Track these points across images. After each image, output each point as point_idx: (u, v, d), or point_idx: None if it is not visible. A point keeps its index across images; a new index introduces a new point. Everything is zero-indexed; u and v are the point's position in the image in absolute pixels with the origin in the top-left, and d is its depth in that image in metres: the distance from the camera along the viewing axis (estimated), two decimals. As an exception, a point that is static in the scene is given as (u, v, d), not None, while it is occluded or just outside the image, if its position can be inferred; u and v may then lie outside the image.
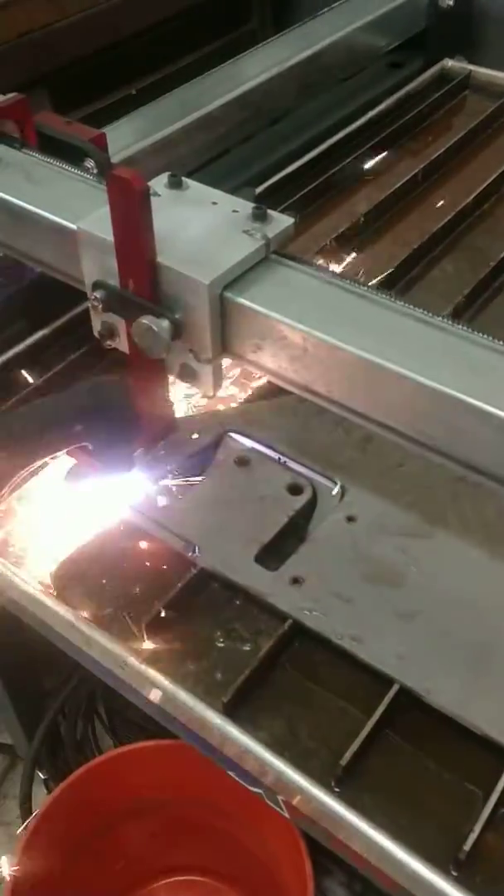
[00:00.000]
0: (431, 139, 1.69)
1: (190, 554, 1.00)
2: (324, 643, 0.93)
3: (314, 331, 0.74)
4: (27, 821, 1.70)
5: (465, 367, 0.70)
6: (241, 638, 0.96)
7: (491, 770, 0.84)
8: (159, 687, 0.91)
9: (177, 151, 1.37)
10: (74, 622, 0.97)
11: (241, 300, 0.77)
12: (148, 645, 0.95)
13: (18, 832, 1.70)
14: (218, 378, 0.82)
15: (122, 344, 0.86)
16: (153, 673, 0.91)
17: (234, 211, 0.82)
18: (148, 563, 1.02)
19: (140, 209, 0.74)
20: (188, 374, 0.83)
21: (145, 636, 0.95)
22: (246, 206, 0.82)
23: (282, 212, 0.83)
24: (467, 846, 0.78)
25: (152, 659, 0.94)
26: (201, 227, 0.80)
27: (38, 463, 0.85)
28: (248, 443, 1.11)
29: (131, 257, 0.78)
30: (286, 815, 0.95)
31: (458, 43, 1.87)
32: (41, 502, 1.10)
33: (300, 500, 1.04)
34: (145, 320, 0.78)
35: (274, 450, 1.10)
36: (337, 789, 0.85)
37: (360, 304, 0.77)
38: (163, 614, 0.97)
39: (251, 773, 0.90)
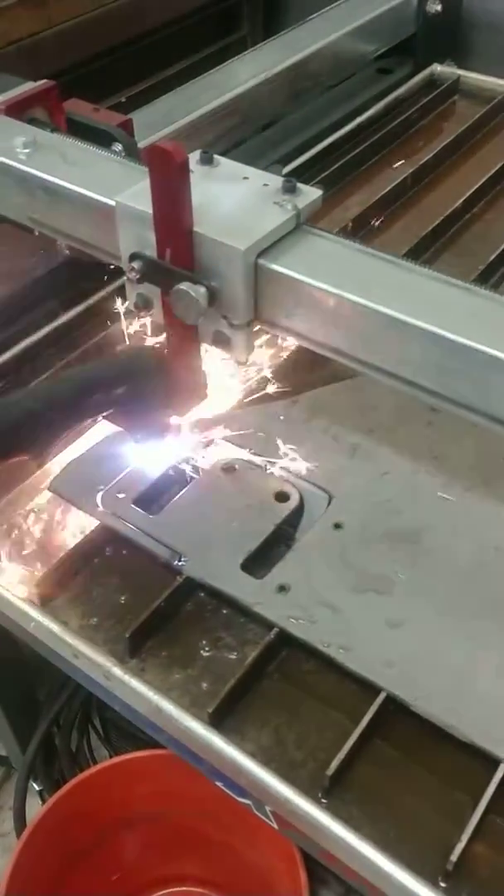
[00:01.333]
0: (422, 144, 1.69)
1: (176, 563, 0.99)
2: (311, 652, 0.92)
3: (347, 294, 0.79)
4: (21, 832, 1.69)
5: (491, 324, 0.75)
6: (228, 647, 0.95)
7: (479, 778, 0.82)
8: (144, 697, 0.90)
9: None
10: (59, 632, 0.96)
11: (275, 266, 0.81)
12: (133, 655, 0.94)
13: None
14: (250, 344, 0.87)
15: (156, 314, 0.91)
16: (137, 683, 0.90)
17: (265, 185, 0.86)
18: (133, 573, 1.01)
19: (180, 179, 0.78)
20: (221, 341, 0.87)
21: (130, 646, 0.94)
22: (276, 180, 0.86)
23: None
24: (454, 857, 0.77)
25: (137, 669, 0.93)
26: (234, 199, 0.85)
27: (82, 424, 0.90)
28: (235, 450, 1.11)
29: (170, 227, 0.82)
30: (275, 825, 0.94)
31: (447, 48, 1.87)
32: (24, 511, 1.09)
33: (287, 508, 1.04)
34: (183, 286, 0.82)
35: (261, 457, 1.09)
36: (324, 800, 0.84)
37: (388, 268, 0.83)
38: (148, 624, 0.96)
39: (238, 785, 0.89)
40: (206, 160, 0.89)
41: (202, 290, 0.82)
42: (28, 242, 1.22)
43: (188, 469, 1.08)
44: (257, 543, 1.00)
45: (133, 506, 1.04)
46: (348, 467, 1.09)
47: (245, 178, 0.88)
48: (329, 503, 1.05)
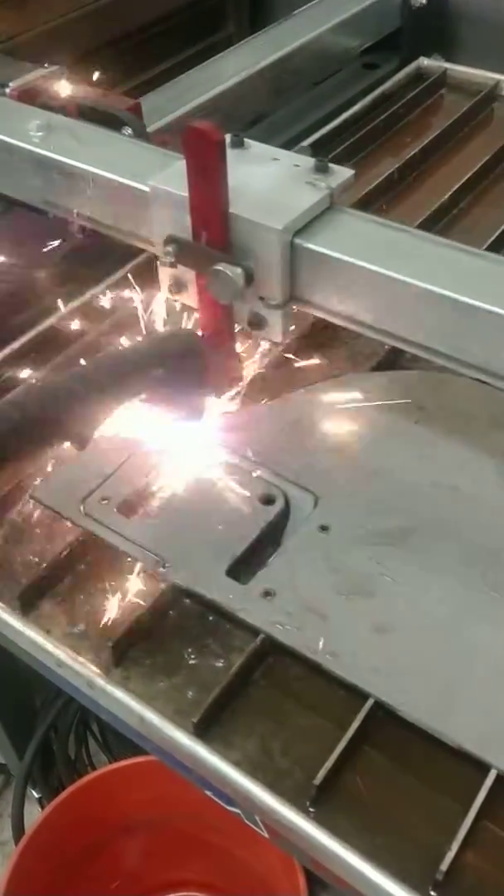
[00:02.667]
0: (409, 139, 1.67)
1: (160, 569, 0.98)
2: (297, 658, 0.91)
3: (384, 270, 0.80)
4: (19, 840, 1.67)
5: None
6: (214, 654, 0.94)
7: (469, 785, 0.81)
8: (128, 707, 0.88)
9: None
10: (41, 641, 0.95)
11: (311, 245, 0.83)
12: (117, 664, 0.92)
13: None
14: (287, 324, 0.88)
15: (190, 297, 0.92)
16: (121, 693, 0.89)
17: (296, 165, 0.87)
18: (117, 580, 1.00)
19: (217, 159, 0.79)
20: (257, 322, 0.88)
21: (114, 654, 0.92)
22: (307, 161, 0.88)
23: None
24: (444, 866, 0.75)
25: (122, 678, 0.91)
26: (267, 180, 0.86)
27: (122, 404, 0.89)
28: (220, 452, 1.09)
29: (206, 209, 0.83)
30: (265, 834, 0.92)
31: (434, 42, 1.85)
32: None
33: (272, 511, 1.02)
34: (220, 267, 0.83)
35: (246, 459, 1.08)
36: (312, 809, 0.82)
37: (422, 243, 0.85)
38: (133, 631, 0.94)
39: (227, 794, 0.88)
40: (237, 143, 0.90)
41: (238, 270, 0.82)
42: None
43: (172, 472, 1.07)
44: (243, 548, 0.98)
45: (116, 511, 1.03)
46: (335, 468, 1.07)
47: (275, 159, 0.89)
48: (315, 504, 1.03)
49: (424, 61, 1.80)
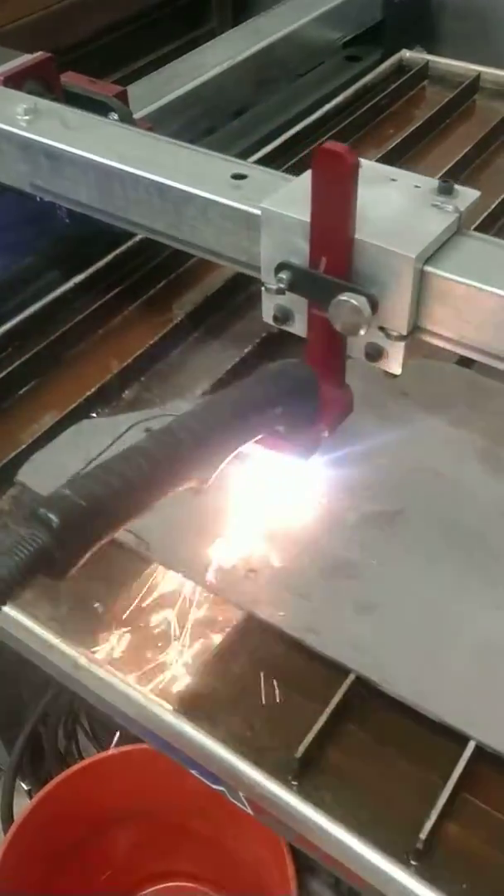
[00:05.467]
0: (392, 131, 1.69)
1: (144, 550, 0.98)
2: (279, 636, 0.92)
3: None
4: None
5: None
6: (196, 633, 0.94)
7: (449, 757, 0.82)
8: (112, 686, 0.89)
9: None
10: (29, 625, 0.95)
11: (443, 273, 0.78)
12: (101, 644, 0.93)
13: None
14: (408, 356, 0.83)
15: (297, 327, 0.87)
16: (104, 673, 0.89)
17: (416, 186, 0.83)
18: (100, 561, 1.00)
19: (350, 183, 0.74)
20: (375, 353, 0.83)
21: (97, 636, 0.93)
22: (427, 181, 0.83)
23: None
24: (423, 834, 0.76)
25: (106, 659, 0.92)
26: (389, 203, 0.81)
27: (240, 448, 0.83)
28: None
29: (329, 234, 0.78)
30: (250, 812, 0.93)
31: (416, 34, 1.87)
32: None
33: (256, 492, 1.03)
34: (344, 297, 0.78)
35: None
36: (294, 783, 0.83)
37: None
38: (119, 613, 0.95)
39: (211, 772, 0.88)
40: None
41: (364, 299, 0.78)
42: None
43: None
44: (226, 529, 0.99)
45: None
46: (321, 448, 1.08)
47: (392, 179, 0.84)
48: (298, 487, 1.04)
49: (406, 53, 1.82)
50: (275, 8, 1.68)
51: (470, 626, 0.90)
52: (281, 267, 0.82)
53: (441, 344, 0.83)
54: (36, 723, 1.86)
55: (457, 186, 0.82)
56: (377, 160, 1.52)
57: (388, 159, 1.55)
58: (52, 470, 1.06)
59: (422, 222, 0.79)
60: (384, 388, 1.13)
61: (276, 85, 1.69)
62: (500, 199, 1.44)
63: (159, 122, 1.42)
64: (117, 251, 1.33)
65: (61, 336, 1.24)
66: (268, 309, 0.87)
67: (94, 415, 1.17)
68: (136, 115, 1.36)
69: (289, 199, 0.81)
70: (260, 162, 1.52)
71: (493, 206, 1.42)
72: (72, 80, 1.25)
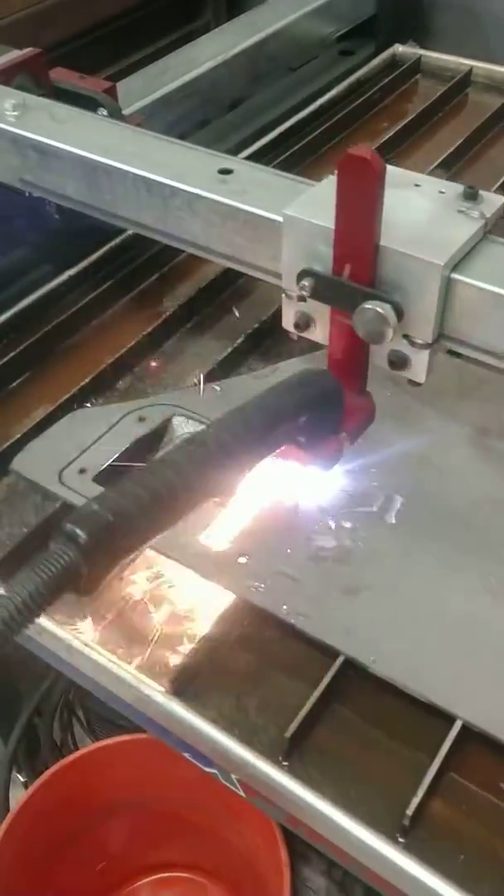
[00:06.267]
0: (385, 125, 1.70)
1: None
2: (271, 619, 0.93)
3: None
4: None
5: None
6: (188, 618, 0.95)
7: (436, 737, 0.83)
8: (103, 668, 0.90)
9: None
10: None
11: (471, 280, 0.76)
12: (92, 627, 0.94)
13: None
14: (432, 364, 0.81)
15: (317, 334, 0.85)
16: (96, 655, 0.90)
17: (441, 192, 0.81)
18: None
19: (377, 189, 0.72)
20: (399, 362, 0.81)
21: (91, 619, 0.94)
22: (452, 187, 0.81)
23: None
24: (410, 811, 0.77)
25: (99, 642, 0.93)
26: (413, 208, 0.79)
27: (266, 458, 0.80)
28: (196, 425, 1.11)
29: (354, 241, 0.76)
30: (241, 793, 0.94)
31: (409, 28, 1.88)
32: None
33: (247, 479, 1.04)
34: (369, 305, 0.76)
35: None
36: (285, 763, 0.84)
37: None
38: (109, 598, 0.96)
39: (203, 754, 0.90)
40: None
41: (389, 307, 0.76)
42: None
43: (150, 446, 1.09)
44: (216, 515, 1.00)
45: (94, 483, 1.04)
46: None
47: (417, 185, 0.82)
48: (289, 474, 1.05)
49: (399, 48, 1.83)
50: (269, 2, 1.69)
51: (456, 609, 0.91)
52: (304, 274, 0.80)
53: (466, 352, 0.82)
54: (32, 714, 1.87)
55: (482, 192, 0.80)
56: (370, 153, 1.55)
57: (381, 152, 1.56)
58: (46, 458, 1.08)
59: (448, 229, 0.77)
60: (373, 375, 1.15)
61: (269, 79, 1.70)
62: (492, 191, 1.45)
63: (154, 115, 1.43)
64: (111, 244, 1.34)
65: (56, 327, 1.25)
66: (289, 316, 0.86)
67: (88, 404, 1.18)
68: (133, 108, 1.37)
69: (312, 205, 0.80)
70: (254, 155, 1.53)
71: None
72: (61, 75, 1.25)
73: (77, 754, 1.70)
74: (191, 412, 1.12)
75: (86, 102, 1.20)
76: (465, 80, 1.76)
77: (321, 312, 0.84)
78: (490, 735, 0.82)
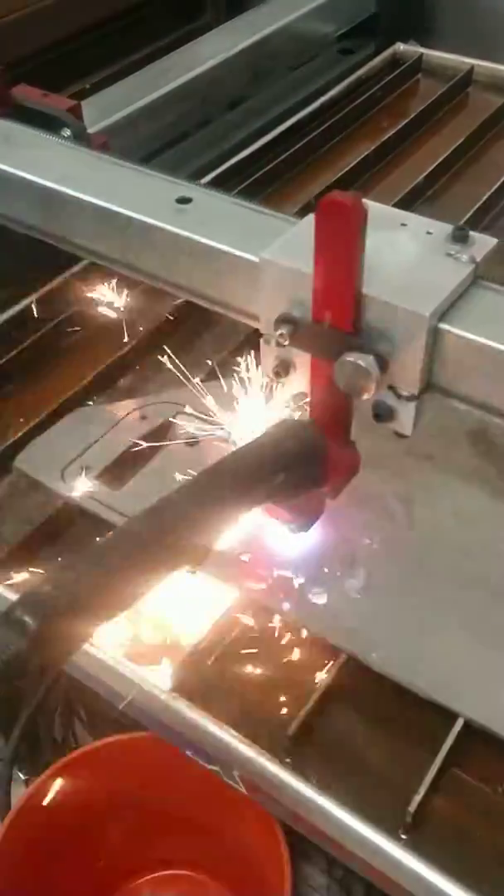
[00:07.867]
0: (386, 124, 1.70)
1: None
2: (272, 616, 0.93)
3: None
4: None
5: None
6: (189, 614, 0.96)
7: (438, 733, 0.83)
8: (104, 665, 0.90)
9: (118, 142, 1.37)
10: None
11: (459, 331, 0.71)
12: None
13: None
14: (419, 416, 0.76)
15: (296, 381, 0.80)
16: (95, 650, 0.91)
17: (428, 232, 0.76)
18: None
19: (357, 236, 0.67)
20: (384, 413, 0.76)
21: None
22: (440, 227, 0.76)
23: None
24: (412, 807, 0.78)
25: (100, 640, 0.93)
26: (399, 251, 0.74)
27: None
28: (198, 422, 1.11)
29: (334, 289, 0.71)
30: (243, 790, 0.94)
31: (410, 27, 1.88)
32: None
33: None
34: (351, 357, 0.71)
35: (223, 429, 1.10)
36: (287, 760, 0.84)
37: None
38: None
39: (206, 751, 0.90)
40: None
41: (372, 359, 0.71)
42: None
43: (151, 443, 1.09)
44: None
45: (96, 480, 1.05)
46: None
47: (403, 224, 0.77)
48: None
49: (400, 47, 1.83)
50: (269, 1, 1.69)
51: (459, 607, 0.92)
52: (282, 320, 0.75)
53: (455, 403, 0.76)
54: (33, 711, 1.87)
55: (472, 233, 0.75)
56: (371, 153, 1.55)
57: (382, 152, 1.57)
58: (49, 456, 1.08)
59: (435, 275, 0.72)
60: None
61: (270, 78, 1.70)
62: (492, 190, 1.46)
63: (154, 114, 1.43)
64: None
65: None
66: (268, 362, 0.80)
67: (90, 403, 1.18)
68: (133, 108, 1.37)
69: (290, 248, 0.74)
70: (255, 154, 1.54)
71: (485, 198, 1.43)
72: (24, 92, 1.16)
73: (79, 752, 1.70)
74: (192, 410, 1.12)
75: (49, 121, 1.13)
76: (467, 79, 1.77)
77: (303, 359, 0.78)
78: (492, 732, 0.82)
